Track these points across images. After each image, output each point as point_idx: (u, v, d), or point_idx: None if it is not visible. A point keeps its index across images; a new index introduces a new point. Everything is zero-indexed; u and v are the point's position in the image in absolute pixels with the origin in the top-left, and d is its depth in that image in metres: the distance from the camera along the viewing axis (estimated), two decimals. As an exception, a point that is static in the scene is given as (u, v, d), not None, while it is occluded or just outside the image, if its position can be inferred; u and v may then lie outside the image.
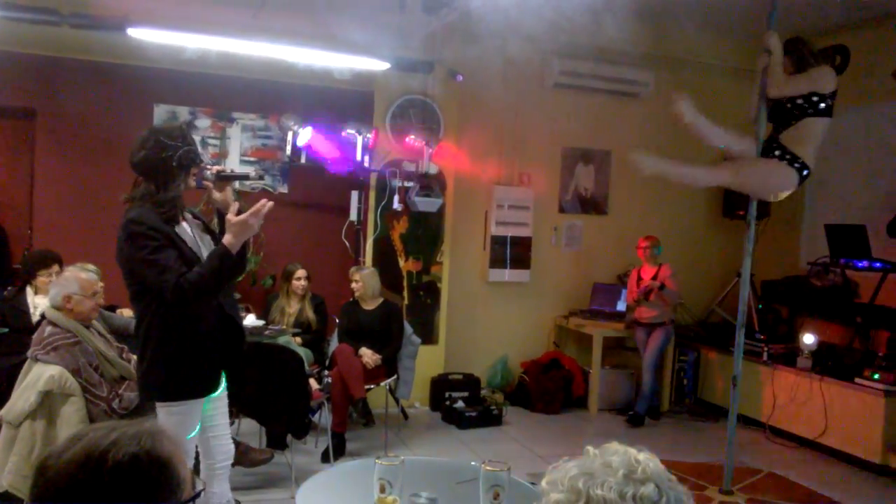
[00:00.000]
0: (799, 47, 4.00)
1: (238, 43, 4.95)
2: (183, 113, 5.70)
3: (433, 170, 5.82)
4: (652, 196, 6.57)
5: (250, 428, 4.57)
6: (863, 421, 4.89)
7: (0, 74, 5.17)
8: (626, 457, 1.05)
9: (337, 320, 5.25)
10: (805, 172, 3.96)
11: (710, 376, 6.24)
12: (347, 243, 5.90)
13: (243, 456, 3.94)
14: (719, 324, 6.44)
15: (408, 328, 5.24)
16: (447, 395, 5.77)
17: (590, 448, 1.10)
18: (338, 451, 4.63)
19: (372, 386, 4.82)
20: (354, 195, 5.80)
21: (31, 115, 5.39)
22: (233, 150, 5.87)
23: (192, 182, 2.61)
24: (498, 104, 6.15)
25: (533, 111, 6.32)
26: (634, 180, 6.43)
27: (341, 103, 5.84)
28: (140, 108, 5.46)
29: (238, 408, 4.23)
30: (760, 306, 6.16)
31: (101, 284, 3.49)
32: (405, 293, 5.90)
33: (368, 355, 4.82)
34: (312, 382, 4.49)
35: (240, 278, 5.36)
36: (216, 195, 2.70)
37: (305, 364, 4.38)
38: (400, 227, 5.86)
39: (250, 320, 4.82)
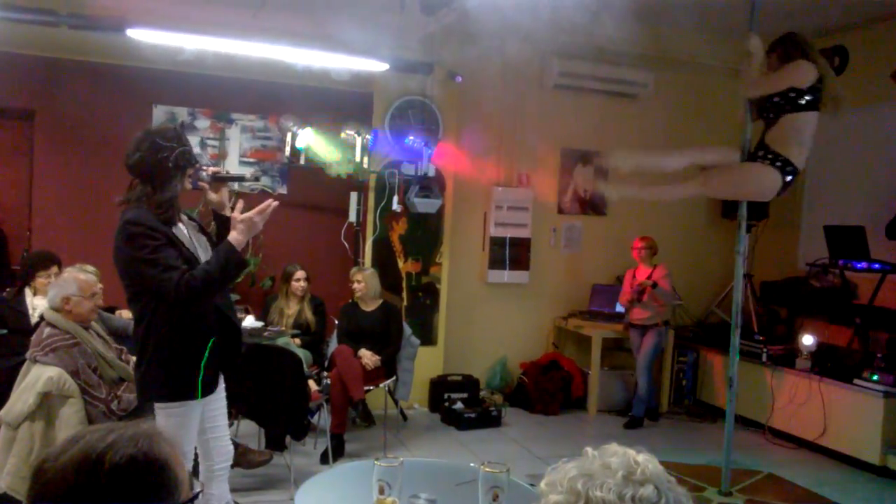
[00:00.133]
0: (786, 43, 3.93)
1: (237, 44, 4.95)
2: (182, 114, 5.70)
3: (432, 171, 5.82)
4: (651, 197, 6.57)
5: (249, 429, 4.57)
6: (862, 422, 4.89)
7: (-1, 75, 5.18)
8: (626, 458, 1.05)
9: (336, 322, 5.25)
10: (789, 169, 3.88)
11: (709, 377, 6.24)
12: (347, 244, 5.90)
13: (242, 457, 3.94)
14: (718, 325, 6.44)
15: (407, 329, 5.24)
16: (446, 396, 5.77)
17: (589, 449, 1.10)
18: (337, 452, 4.63)
19: (371, 387, 4.82)
20: (353, 196, 5.80)
21: (30, 115, 5.39)
22: (232, 151, 5.87)
23: (188, 183, 2.61)
24: (497, 105, 6.15)
25: (532, 112, 6.32)
26: (634, 180, 6.44)
27: (340, 104, 5.84)
28: (139, 109, 5.46)
29: (237, 409, 4.23)
30: (760, 312, 6.17)
31: (99, 286, 3.49)
32: (404, 294, 5.90)
33: (368, 356, 4.82)
34: (311, 384, 4.49)
35: (239, 279, 5.38)
36: (212, 196, 2.70)
37: (304, 365, 4.38)
38: (399, 229, 5.86)
39: (249, 321, 4.81)
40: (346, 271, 5.46)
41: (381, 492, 2.10)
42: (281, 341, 4.68)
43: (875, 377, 4.84)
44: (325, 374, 4.78)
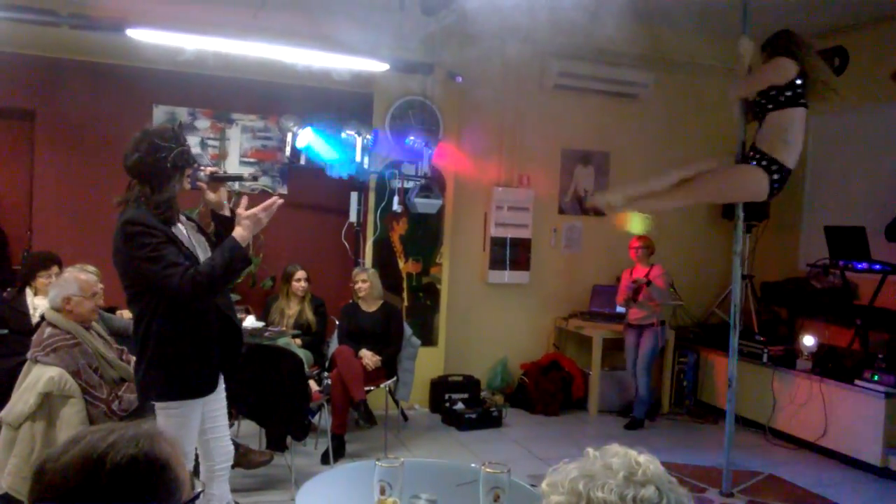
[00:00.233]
0: (774, 41, 3.91)
1: (237, 44, 4.95)
2: (182, 114, 5.70)
3: (433, 171, 5.82)
4: (651, 197, 6.56)
5: (250, 430, 4.57)
6: (862, 423, 4.89)
7: (-1, 76, 5.18)
8: (627, 459, 1.05)
9: (337, 322, 5.25)
10: (775, 168, 3.85)
11: (710, 378, 6.24)
12: (347, 245, 5.90)
13: (243, 457, 3.94)
14: (719, 325, 6.43)
15: (407, 330, 5.24)
16: (447, 396, 5.77)
17: (590, 450, 1.10)
18: (337, 452, 4.63)
19: (372, 388, 4.82)
20: (354, 196, 5.80)
21: (31, 116, 5.39)
22: (232, 151, 5.87)
23: (187, 183, 2.61)
24: (497, 105, 6.15)
25: (532, 112, 6.32)
26: (634, 181, 6.44)
27: (341, 104, 5.84)
28: (139, 110, 5.45)
29: (238, 409, 4.23)
30: (761, 313, 6.16)
31: (100, 286, 3.49)
32: (405, 295, 5.90)
33: (368, 357, 4.82)
34: (312, 384, 4.49)
35: (240, 279, 5.38)
36: (210, 196, 2.71)
37: (305, 366, 4.38)
38: (399, 229, 5.86)
39: (250, 322, 4.81)
40: (347, 272, 5.45)
41: (382, 492, 2.10)
42: (281, 342, 4.68)
43: (876, 378, 4.84)
44: (326, 374, 4.78)
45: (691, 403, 6.30)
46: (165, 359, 2.52)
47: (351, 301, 5.20)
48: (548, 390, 5.98)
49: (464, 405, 5.66)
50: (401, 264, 5.89)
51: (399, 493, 2.11)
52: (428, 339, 5.86)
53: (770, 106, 3.89)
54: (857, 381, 4.95)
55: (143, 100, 5.52)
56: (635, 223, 5.92)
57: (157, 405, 2.54)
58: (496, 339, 6.33)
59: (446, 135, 5.94)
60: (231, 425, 3.30)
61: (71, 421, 3.11)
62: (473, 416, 5.53)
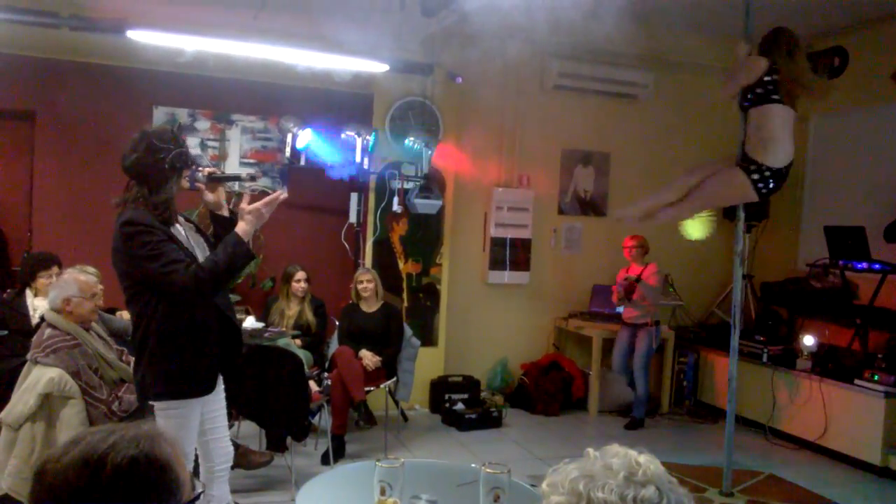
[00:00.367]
0: (765, 39, 3.88)
1: (237, 45, 4.95)
2: (182, 115, 5.70)
3: (433, 172, 5.82)
4: (651, 198, 6.56)
5: (250, 430, 4.57)
6: (863, 422, 4.89)
7: (-1, 77, 5.18)
8: (627, 459, 1.05)
9: (337, 322, 5.25)
10: (753, 168, 3.81)
11: (710, 378, 6.24)
12: (347, 245, 5.90)
13: (243, 458, 3.94)
14: (719, 325, 6.44)
15: (407, 330, 5.24)
16: (447, 397, 5.77)
17: (590, 450, 1.10)
18: (337, 453, 4.63)
19: (372, 388, 4.82)
20: (354, 197, 5.80)
21: (31, 117, 5.39)
22: (232, 152, 5.87)
23: (185, 183, 2.61)
24: (497, 106, 6.15)
25: (532, 113, 6.32)
26: (634, 182, 6.45)
27: (341, 105, 5.85)
28: (139, 111, 5.46)
29: (237, 410, 4.23)
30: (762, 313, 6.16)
31: (100, 286, 3.49)
32: (405, 295, 5.90)
33: (368, 357, 4.82)
34: (312, 384, 4.49)
35: (240, 279, 5.39)
36: (208, 196, 2.71)
37: (305, 366, 4.38)
38: (399, 229, 5.86)
39: (250, 322, 4.81)
40: (347, 272, 5.45)
41: (383, 493, 2.10)
42: (281, 342, 4.68)
43: (876, 377, 4.84)
44: (326, 374, 4.78)
45: (691, 403, 6.30)
46: (164, 359, 2.52)
47: (351, 301, 5.20)
48: (548, 390, 5.99)
49: (464, 405, 5.66)
50: (401, 265, 5.89)
51: (399, 494, 2.11)
52: (428, 339, 5.86)
53: (746, 104, 3.90)
54: (857, 381, 4.95)
55: (143, 101, 5.52)
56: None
57: (157, 405, 2.54)
58: (496, 340, 6.33)
59: (446, 135, 5.94)
60: (231, 426, 3.30)
61: (71, 422, 3.11)
62: (473, 416, 5.53)
